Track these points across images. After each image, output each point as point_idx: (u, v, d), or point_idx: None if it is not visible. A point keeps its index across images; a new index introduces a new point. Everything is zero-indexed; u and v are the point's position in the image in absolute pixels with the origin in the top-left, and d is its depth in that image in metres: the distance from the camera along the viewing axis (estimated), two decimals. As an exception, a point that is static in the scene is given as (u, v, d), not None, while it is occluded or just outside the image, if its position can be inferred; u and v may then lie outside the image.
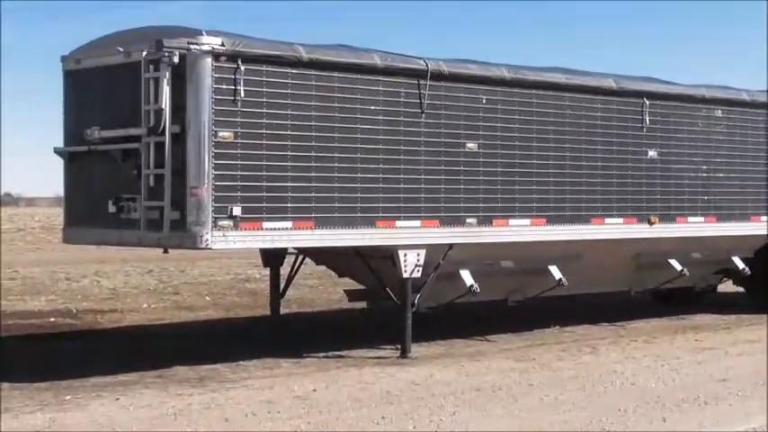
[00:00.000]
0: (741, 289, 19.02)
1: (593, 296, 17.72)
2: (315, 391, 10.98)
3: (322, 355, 13.39)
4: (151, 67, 11.46)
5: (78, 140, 12.49)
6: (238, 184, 11.56)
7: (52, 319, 17.52)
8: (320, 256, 14.67)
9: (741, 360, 13.34)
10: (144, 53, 11.51)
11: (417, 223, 13.10)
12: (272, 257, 14.80)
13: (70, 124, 12.81)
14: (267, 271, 15.57)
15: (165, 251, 12.84)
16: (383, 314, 14.99)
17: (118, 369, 12.18)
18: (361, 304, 15.63)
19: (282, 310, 17.49)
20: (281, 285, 15.18)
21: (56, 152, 12.86)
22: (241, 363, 12.74)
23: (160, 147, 11.44)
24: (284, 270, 15.13)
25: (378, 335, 14.23)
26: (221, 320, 17.70)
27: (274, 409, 10.04)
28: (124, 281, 24.43)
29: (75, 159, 12.75)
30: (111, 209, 12.06)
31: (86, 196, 12.66)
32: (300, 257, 14.83)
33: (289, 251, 14.50)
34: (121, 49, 11.99)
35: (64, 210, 13.27)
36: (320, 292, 21.62)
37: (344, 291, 15.26)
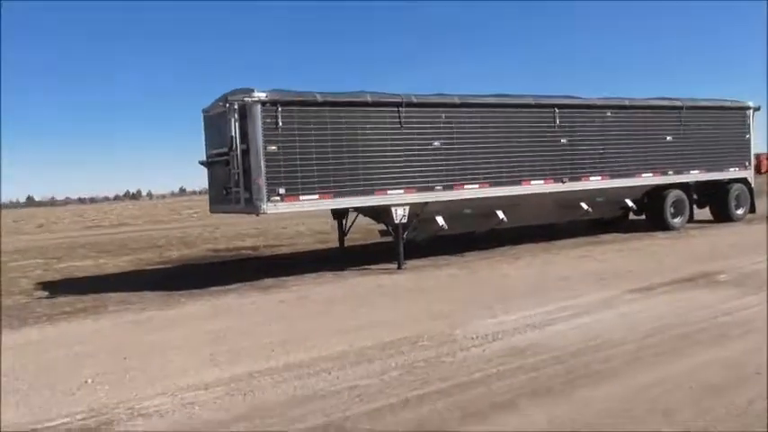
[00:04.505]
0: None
1: (555, 226, 16.21)
2: (283, 302, 9.51)
3: (356, 268, 12.77)
4: (232, 112, 11.33)
5: (208, 156, 12.59)
6: (282, 175, 11.30)
7: (242, 251, 17.28)
8: (362, 212, 14.14)
9: (590, 263, 11.70)
10: (227, 104, 11.40)
11: (401, 191, 12.49)
12: (337, 215, 14.44)
13: (206, 147, 12.86)
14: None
15: (257, 215, 12.64)
16: (414, 243, 13.64)
17: (202, 284, 11.40)
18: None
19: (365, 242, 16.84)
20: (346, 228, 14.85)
21: (200, 163, 12.93)
22: (306, 275, 12.10)
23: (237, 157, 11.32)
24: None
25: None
26: (327, 250, 16.72)
27: (224, 312, 8.75)
28: (305, 228, 23.89)
29: (209, 167, 12.81)
30: (224, 193, 12.06)
31: (215, 187, 12.71)
32: (354, 214, 14.38)
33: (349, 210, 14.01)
34: (221, 103, 11.93)
35: (208, 195, 13.25)
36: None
37: (378, 230, 14.72)
